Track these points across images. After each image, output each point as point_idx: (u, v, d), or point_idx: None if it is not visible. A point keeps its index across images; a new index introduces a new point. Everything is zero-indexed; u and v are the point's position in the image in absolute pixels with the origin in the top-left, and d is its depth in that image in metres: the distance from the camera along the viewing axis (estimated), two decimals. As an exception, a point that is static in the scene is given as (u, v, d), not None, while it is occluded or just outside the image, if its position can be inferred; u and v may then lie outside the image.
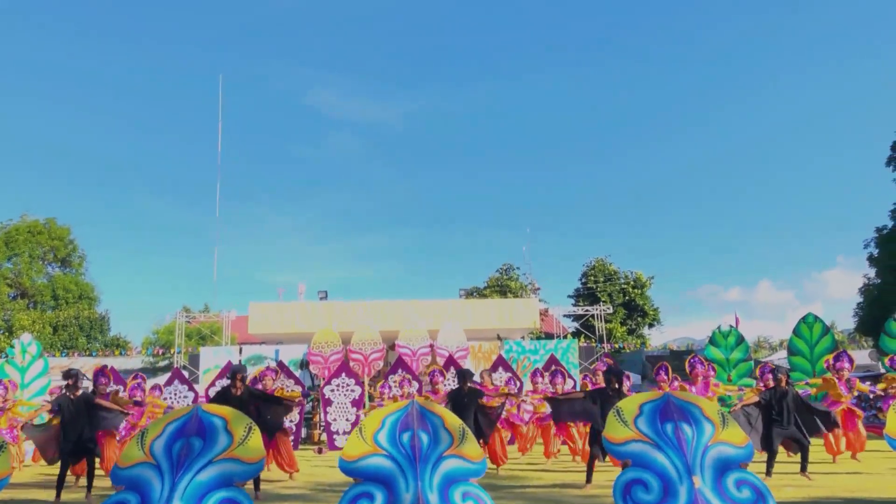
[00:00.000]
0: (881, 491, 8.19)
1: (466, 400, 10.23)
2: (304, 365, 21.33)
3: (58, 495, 8.45)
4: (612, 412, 5.94)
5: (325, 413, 16.57)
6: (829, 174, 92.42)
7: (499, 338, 23.99)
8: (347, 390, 16.68)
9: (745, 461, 5.62)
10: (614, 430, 5.79)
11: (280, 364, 17.68)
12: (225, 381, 14.00)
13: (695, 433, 5.69)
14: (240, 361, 21.70)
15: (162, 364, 35.05)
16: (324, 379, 18.26)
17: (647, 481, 5.48)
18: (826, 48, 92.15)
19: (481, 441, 10.05)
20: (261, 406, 9.62)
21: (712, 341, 19.41)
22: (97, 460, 9.72)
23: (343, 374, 16.94)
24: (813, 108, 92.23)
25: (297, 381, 16.83)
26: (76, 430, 8.73)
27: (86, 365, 37.41)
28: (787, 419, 9.47)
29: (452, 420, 5.94)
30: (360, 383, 16.99)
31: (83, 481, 9.50)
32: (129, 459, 5.30)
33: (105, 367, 12.38)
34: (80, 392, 9.02)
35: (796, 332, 18.01)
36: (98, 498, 8.70)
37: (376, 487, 5.41)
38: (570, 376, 16.35)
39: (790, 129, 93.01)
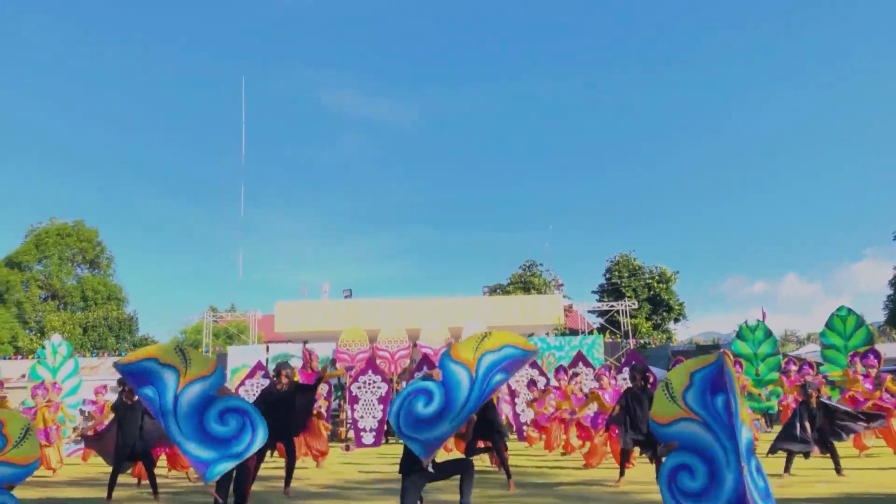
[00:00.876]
0: (914, 486, 8.10)
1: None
2: (331, 363, 21.48)
3: (109, 495, 8.61)
4: (661, 385, 5.39)
5: (352, 410, 16.65)
6: (855, 166, 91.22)
7: (527, 337, 23.92)
8: (374, 387, 16.73)
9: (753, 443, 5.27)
10: (662, 408, 5.28)
11: (308, 352, 17.41)
12: (257, 381, 14.17)
13: (736, 408, 5.05)
14: (266, 360, 21.87)
15: (190, 363, 35.42)
16: (350, 377, 18.35)
17: (693, 466, 5.06)
18: (853, 42, 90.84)
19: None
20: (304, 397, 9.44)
21: (739, 336, 19.23)
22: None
23: (370, 371, 17.00)
24: (840, 100, 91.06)
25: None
26: (132, 435, 8.85)
27: (115, 365, 37.93)
28: (814, 428, 9.36)
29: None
30: (386, 380, 17.06)
31: (145, 482, 9.74)
32: None
33: None
34: (137, 398, 9.10)
35: (829, 325, 17.70)
36: (169, 497, 8.92)
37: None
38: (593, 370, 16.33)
39: (817, 121, 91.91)
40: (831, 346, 17.56)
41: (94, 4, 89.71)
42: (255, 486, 8.27)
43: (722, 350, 5.64)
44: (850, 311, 17.60)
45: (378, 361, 19.39)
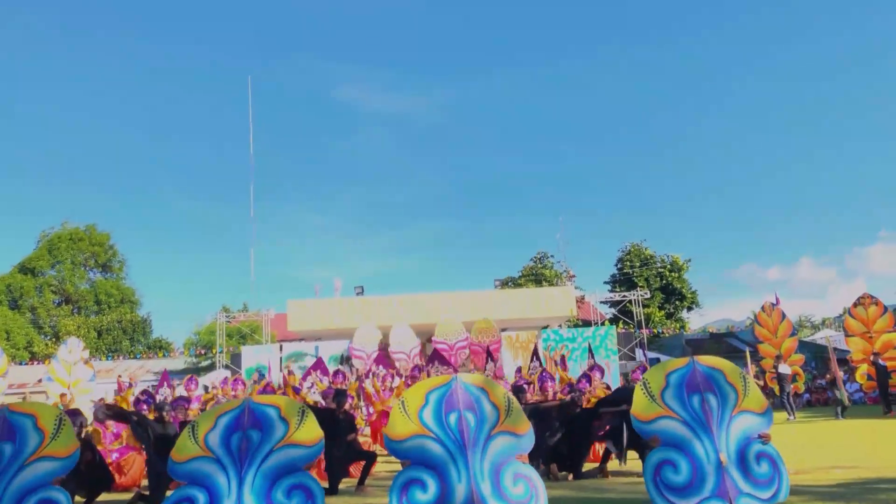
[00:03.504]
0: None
1: None
2: (344, 360, 21.54)
3: None
4: (640, 384, 5.78)
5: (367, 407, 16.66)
6: (868, 147, 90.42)
7: (539, 329, 23.90)
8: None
9: (765, 429, 5.64)
10: (642, 407, 5.66)
11: (318, 361, 17.61)
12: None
13: (719, 403, 5.61)
14: (280, 359, 21.96)
15: (204, 364, 35.60)
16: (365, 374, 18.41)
17: (676, 462, 5.41)
18: (864, 23, 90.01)
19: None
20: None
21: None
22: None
23: (380, 367, 17.05)
24: (850, 80, 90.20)
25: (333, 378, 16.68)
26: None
27: (130, 367, 38.18)
28: None
29: (497, 391, 5.75)
30: (399, 374, 17.09)
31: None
32: (184, 453, 5.30)
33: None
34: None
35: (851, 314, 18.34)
36: None
37: (428, 474, 5.27)
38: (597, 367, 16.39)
39: (828, 102, 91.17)
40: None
41: (100, 3, 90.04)
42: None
43: (693, 357, 6.00)
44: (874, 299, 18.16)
45: (397, 364, 19.55)
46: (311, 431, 5.36)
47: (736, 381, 5.72)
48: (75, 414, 8.40)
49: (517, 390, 10.02)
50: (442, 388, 5.62)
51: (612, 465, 9.51)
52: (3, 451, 5.35)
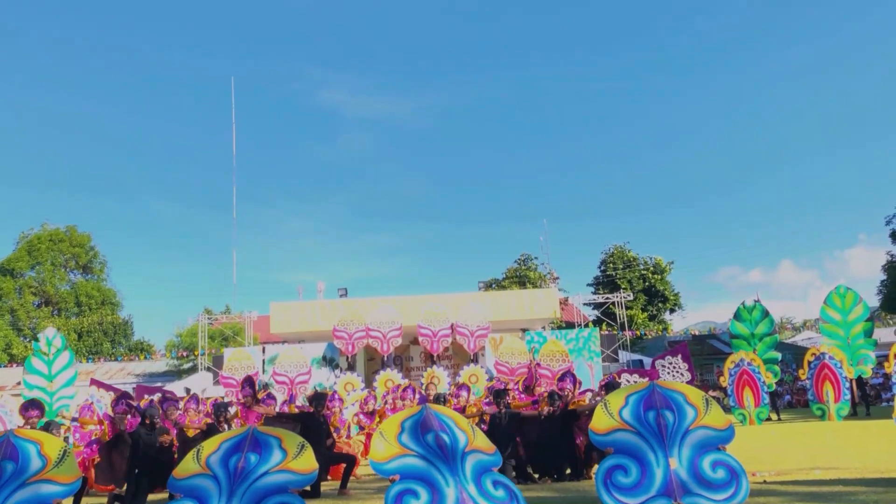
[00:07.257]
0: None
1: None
2: (328, 361, 21.54)
3: None
4: (600, 405, 6.32)
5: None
6: (847, 151, 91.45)
7: (523, 331, 23.90)
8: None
9: (724, 443, 6.04)
10: (599, 422, 6.20)
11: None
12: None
13: (676, 418, 6.10)
14: (263, 361, 21.84)
15: (186, 366, 35.32)
16: (348, 357, 19.25)
17: (626, 466, 5.96)
18: (842, 30, 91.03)
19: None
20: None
21: (737, 316, 19.50)
22: None
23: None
24: (830, 87, 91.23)
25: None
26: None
27: (111, 370, 37.86)
28: None
29: (462, 420, 6.30)
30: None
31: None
32: (185, 471, 5.68)
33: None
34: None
35: (827, 302, 18.32)
36: None
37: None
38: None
39: (809, 108, 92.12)
40: (829, 320, 18.17)
41: (82, 7, 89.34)
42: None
43: (653, 381, 6.52)
44: (848, 288, 18.20)
45: (371, 341, 19.74)
46: (307, 462, 5.73)
47: (697, 402, 6.18)
48: (49, 426, 8.34)
49: (499, 393, 9.94)
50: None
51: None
52: (5, 469, 5.64)
